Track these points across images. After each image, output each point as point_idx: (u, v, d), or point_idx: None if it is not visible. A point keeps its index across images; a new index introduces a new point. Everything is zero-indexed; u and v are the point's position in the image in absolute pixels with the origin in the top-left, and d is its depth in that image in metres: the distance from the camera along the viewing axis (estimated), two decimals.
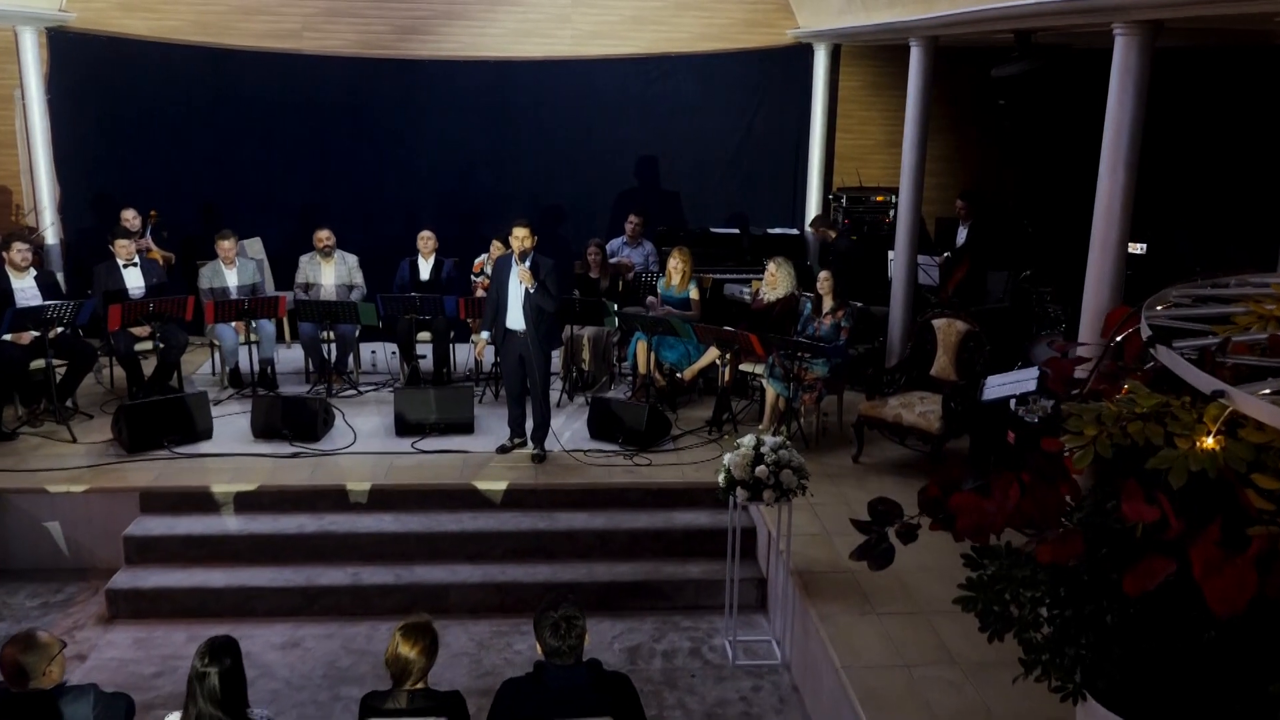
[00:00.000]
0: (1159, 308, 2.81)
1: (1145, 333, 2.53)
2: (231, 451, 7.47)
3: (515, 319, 7.18)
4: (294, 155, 10.40)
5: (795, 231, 10.76)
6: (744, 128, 10.82)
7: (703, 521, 7.00)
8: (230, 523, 6.84)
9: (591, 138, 10.64)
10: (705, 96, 10.69)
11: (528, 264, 7.02)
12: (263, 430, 7.69)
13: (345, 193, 10.45)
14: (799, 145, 10.86)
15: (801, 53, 10.64)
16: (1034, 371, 6.15)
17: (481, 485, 7.08)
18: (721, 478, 5.84)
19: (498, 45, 10.36)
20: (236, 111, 10.26)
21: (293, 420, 7.66)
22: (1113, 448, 2.19)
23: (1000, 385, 6.08)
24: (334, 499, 6.99)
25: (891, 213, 10.52)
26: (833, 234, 9.44)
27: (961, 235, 9.90)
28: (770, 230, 10.68)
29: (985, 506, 2.41)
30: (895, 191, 10.47)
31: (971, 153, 10.94)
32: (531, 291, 7.03)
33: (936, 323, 7.70)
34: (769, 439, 5.84)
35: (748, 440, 5.87)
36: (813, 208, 10.87)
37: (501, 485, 7.08)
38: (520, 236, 6.99)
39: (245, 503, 6.93)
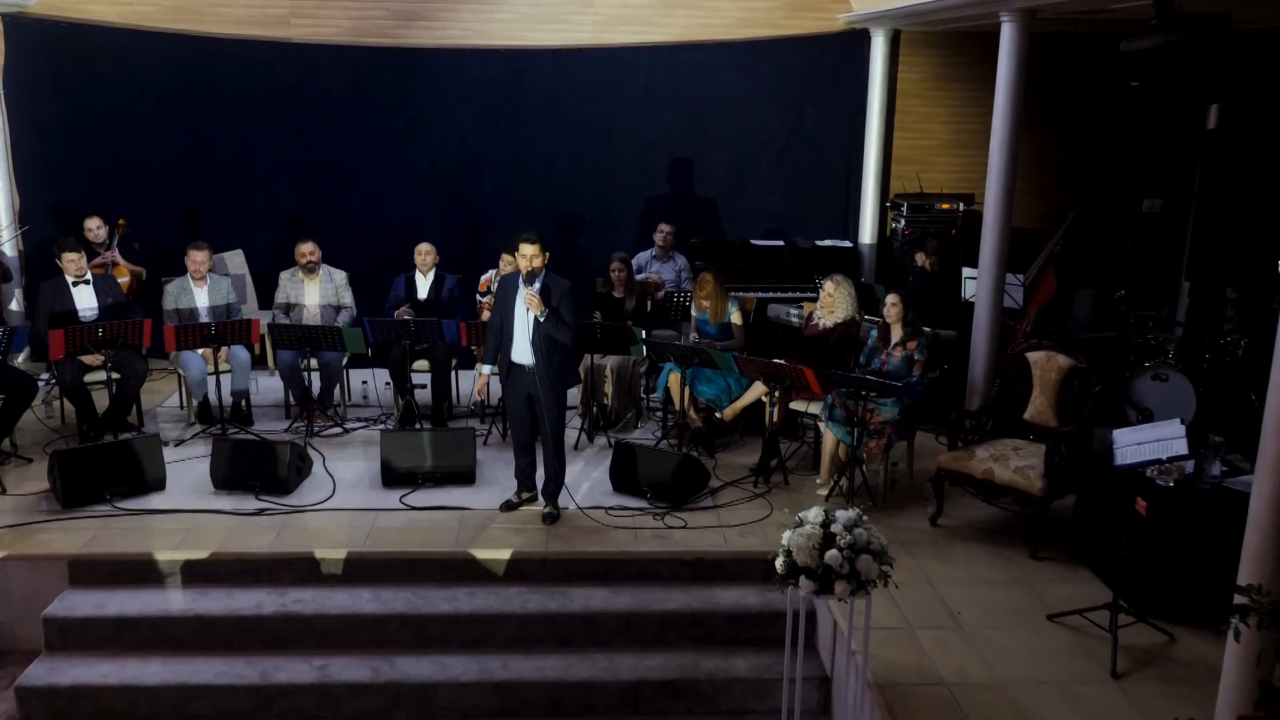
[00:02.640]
0: None
1: None
2: (185, 507, 6.27)
3: (522, 352, 5.95)
4: (280, 157, 9.29)
5: (848, 244, 9.46)
6: (790, 126, 9.56)
7: (750, 601, 5.72)
8: (174, 600, 5.63)
9: (616, 137, 9.45)
10: (745, 90, 9.45)
11: (537, 287, 5.78)
12: (224, 480, 6.49)
13: (336, 199, 9.35)
14: (852, 146, 9.56)
15: (856, 40, 9.36)
16: (1177, 427, 4.82)
17: (481, 554, 5.83)
18: (780, 562, 4.56)
19: (510, 32, 9.19)
20: (215, 108, 9.15)
21: (259, 468, 6.46)
22: None
23: (1136, 446, 4.76)
24: (301, 570, 5.77)
25: (959, 223, 9.22)
26: (934, 261, 8.16)
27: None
28: (819, 242, 9.38)
29: None
30: (964, 199, 9.27)
31: (1053, 155, 9.59)
32: (541, 320, 5.79)
33: (1032, 356, 6.38)
34: (841, 514, 4.55)
35: (813, 514, 4.58)
36: (868, 216, 9.57)
37: (505, 554, 5.83)
38: (528, 255, 5.77)
39: (194, 573, 5.73)
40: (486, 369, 6.23)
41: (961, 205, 9.20)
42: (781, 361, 6.62)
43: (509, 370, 6.08)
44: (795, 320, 8.16)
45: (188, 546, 5.81)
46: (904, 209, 9.26)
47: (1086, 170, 9.65)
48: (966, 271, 8.00)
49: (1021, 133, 6.95)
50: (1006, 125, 6.52)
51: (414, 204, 9.36)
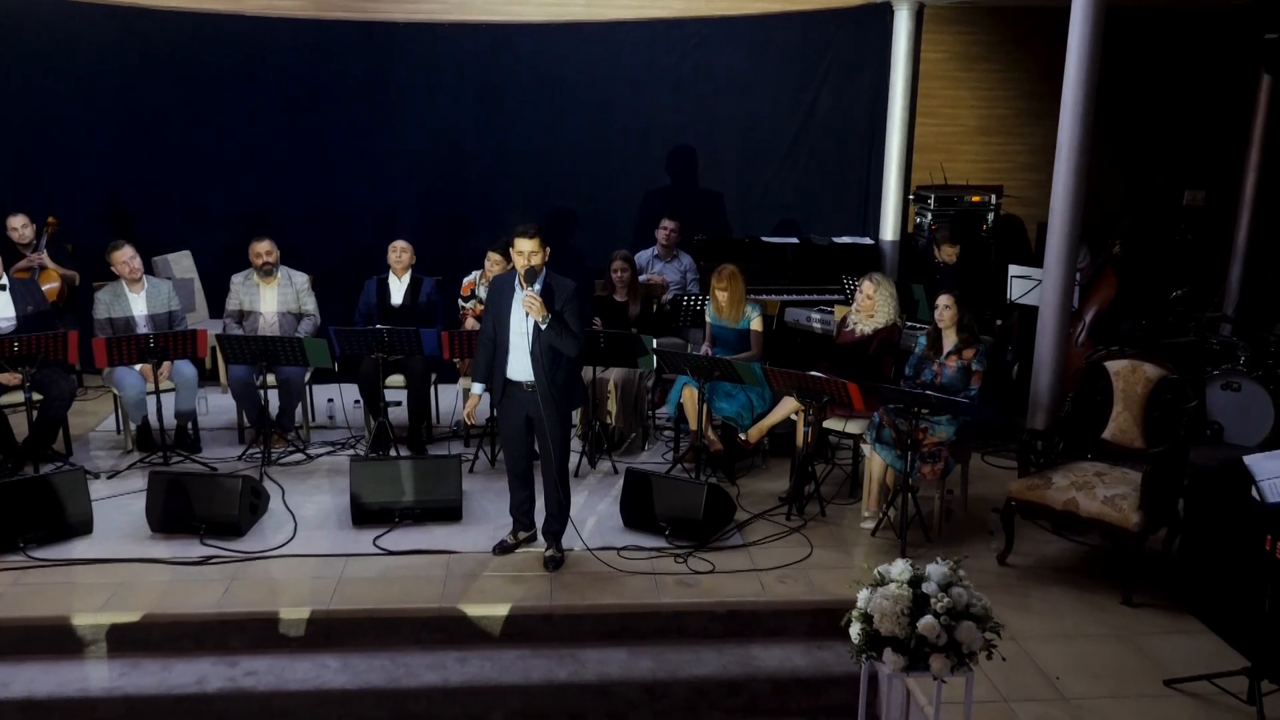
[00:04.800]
0: None
1: None
2: (114, 556, 5.25)
3: (519, 366, 4.99)
4: (233, 145, 8.33)
5: (869, 241, 8.58)
6: (804, 111, 8.68)
7: (798, 662, 4.79)
8: (96, 675, 4.61)
9: (612, 123, 8.56)
10: (755, 71, 8.57)
11: (537, 288, 4.83)
12: (163, 522, 5.48)
13: (297, 193, 8.42)
14: (873, 133, 8.69)
15: (877, 14, 8.49)
16: None
17: (472, 609, 4.87)
18: (856, 630, 3.65)
19: (492, 6, 8.26)
20: (159, 90, 8.16)
21: (205, 506, 5.45)
22: None
23: None
24: (255, 633, 4.79)
25: (990, 216, 8.36)
26: (954, 251, 7.34)
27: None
28: (837, 239, 8.50)
29: None
30: (995, 190, 8.44)
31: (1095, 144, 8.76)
32: (543, 327, 4.84)
33: (1113, 366, 5.49)
34: (933, 570, 3.65)
35: (898, 570, 3.68)
36: (890, 211, 8.69)
37: (501, 609, 4.87)
38: (526, 252, 4.84)
39: (123, 640, 4.73)
40: (477, 388, 5.24)
41: (994, 198, 8.34)
42: (820, 374, 5.70)
43: (503, 388, 5.12)
44: (819, 326, 7.25)
45: (116, 606, 4.80)
46: (930, 202, 8.37)
47: (1117, 161, 8.82)
48: (1014, 270, 7.13)
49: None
50: (1079, 96, 5.63)
51: (387, 197, 8.44)
